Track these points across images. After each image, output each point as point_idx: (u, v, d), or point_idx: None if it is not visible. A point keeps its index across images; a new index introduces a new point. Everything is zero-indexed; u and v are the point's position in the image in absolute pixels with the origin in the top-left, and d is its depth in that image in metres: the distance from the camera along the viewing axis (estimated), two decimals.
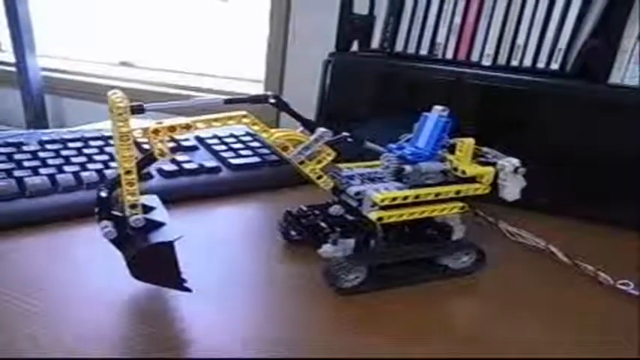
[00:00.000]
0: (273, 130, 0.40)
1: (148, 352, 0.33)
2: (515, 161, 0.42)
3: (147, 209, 0.37)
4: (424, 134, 0.43)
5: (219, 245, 0.47)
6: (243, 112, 0.38)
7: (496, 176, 0.43)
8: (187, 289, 0.37)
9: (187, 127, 0.36)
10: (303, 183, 0.60)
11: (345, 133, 0.42)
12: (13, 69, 1.59)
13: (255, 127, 0.39)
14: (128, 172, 0.34)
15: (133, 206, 0.35)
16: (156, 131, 0.35)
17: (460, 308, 0.42)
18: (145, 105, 0.34)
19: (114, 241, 0.35)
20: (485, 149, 0.44)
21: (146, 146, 0.41)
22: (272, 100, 0.40)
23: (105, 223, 0.34)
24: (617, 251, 0.51)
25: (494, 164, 0.43)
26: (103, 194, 0.34)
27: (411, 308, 0.40)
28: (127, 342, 0.34)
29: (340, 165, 0.44)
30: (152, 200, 0.39)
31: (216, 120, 0.37)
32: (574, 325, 0.40)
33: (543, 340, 0.37)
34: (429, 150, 0.42)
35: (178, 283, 0.37)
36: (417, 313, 0.39)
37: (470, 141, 0.43)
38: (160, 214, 0.37)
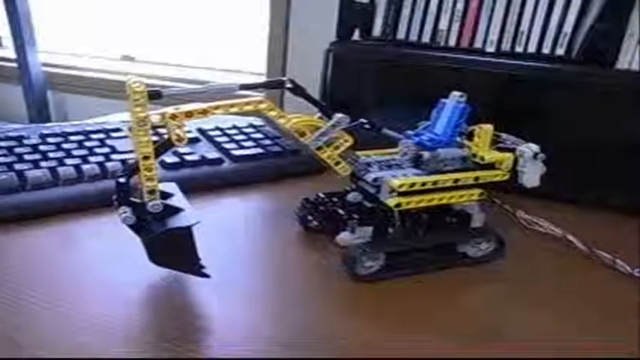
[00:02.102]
0: (290, 116, 0.38)
1: (159, 344, 0.32)
2: (535, 147, 0.41)
3: (166, 195, 0.36)
4: (442, 121, 0.42)
5: (227, 236, 0.45)
6: (260, 98, 0.37)
7: (516, 163, 0.41)
8: (205, 275, 0.36)
9: (204, 112, 0.35)
10: (306, 174, 0.60)
11: (362, 120, 0.41)
12: (14, 65, 1.59)
13: (272, 113, 0.37)
14: (146, 158, 0.33)
15: (152, 192, 0.34)
16: (173, 116, 0.34)
17: (477, 297, 0.40)
18: (162, 90, 0.34)
19: (132, 227, 0.34)
20: (504, 135, 0.42)
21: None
22: (289, 85, 0.39)
23: (124, 208, 0.34)
24: (633, 239, 0.49)
25: (513, 150, 0.41)
26: (122, 180, 0.34)
27: (429, 297, 0.38)
28: (138, 335, 0.32)
29: (358, 152, 0.42)
30: (171, 187, 0.38)
31: (232, 105, 0.36)
32: (592, 314, 0.38)
33: (561, 330, 0.36)
34: (447, 136, 0.41)
35: (196, 269, 0.36)
36: (434, 302, 0.38)
37: (488, 127, 0.41)
38: (178, 200, 0.37)
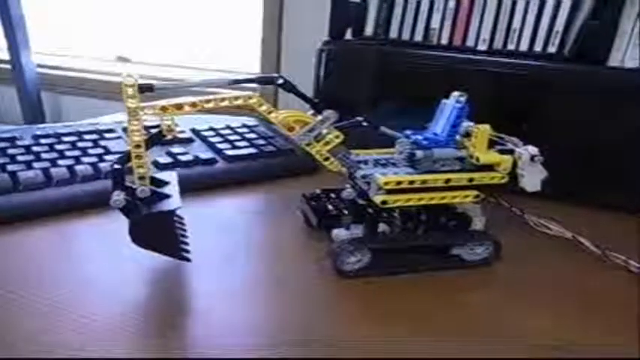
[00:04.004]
0: (280, 111, 0.38)
1: (155, 343, 0.32)
2: (532, 149, 0.39)
3: (160, 183, 0.39)
4: (441, 121, 0.41)
5: (220, 235, 0.45)
6: (250, 93, 0.38)
7: (515, 165, 0.40)
8: (186, 259, 0.38)
9: (193, 105, 0.36)
10: (300, 173, 0.60)
11: (359, 118, 0.41)
12: (8, 66, 1.58)
13: (262, 108, 0.38)
14: (137, 146, 0.35)
15: (142, 178, 0.36)
16: (164, 108, 0.36)
17: (475, 299, 0.39)
18: (154, 84, 0.36)
19: (122, 210, 0.36)
20: (506, 137, 0.41)
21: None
22: (280, 81, 0.39)
23: (117, 192, 0.36)
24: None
25: (512, 152, 0.40)
26: (117, 166, 0.36)
27: (422, 297, 0.38)
28: (134, 334, 0.32)
29: (358, 151, 0.42)
30: (169, 176, 0.40)
31: (222, 99, 0.37)
32: (607, 317, 0.37)
33: (572, 334, 0.35)
34: (444, 136, 0.40)
35: (176, 252, 0.38)
36: (428, 303, 0.37)
37: (485, 127, 0.40)
38: (170, 188, 0.39)
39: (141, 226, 0.36)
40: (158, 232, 0.37)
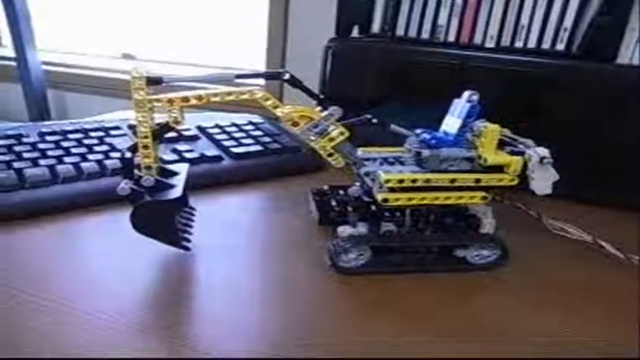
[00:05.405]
0: (286, 106, 0.39)
1: (158, 341, 0.32)
2: (542, 151, 0.38)
3: (169, 174, 0.40)
4: (452, 119, 0.40)
5: (225, 232, 0.45)
6: (256, 87, 0.38)
7: (526, 167, 0.39)
8: (185, 248, 0.39)
9: (200, 98, 0.37)
10: (305, 171, 0.60)
11: (367, 115, 0.40)
12: (13, 63, 1.59)
13: (268, 102, 0.38)
14: (144, 137, 0.37)
15: (148, 167, 0.38)
16: (170, 101, 0.37)
17: (481, 304, 0.38)
18: (163, 77, 0.37)
19: (127, 197, 0.37)
20: (518, 137, 0.40)
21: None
22: (286, 77, 0.39)
23: (125, 181, 0.37)
24: None
25: (522, 154, 0.39)
26: (128, 155, 0.37)
27: (427, 297, 0.38)
28: (138, 332, 0.32)
29: (369, 148, 0.42)
30: (181, 167, 0.42)
31: (229, 94, 0.37)
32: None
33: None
34: (454, 135, 0.39)
35: (175, 241, 0.39)
36: (433, 303, 0.37)
37: (494, 127, 0.39)
38: (177, 179, 0.40)
39: (140, 213, 0.37)
40: (157, 219, 0.38)
